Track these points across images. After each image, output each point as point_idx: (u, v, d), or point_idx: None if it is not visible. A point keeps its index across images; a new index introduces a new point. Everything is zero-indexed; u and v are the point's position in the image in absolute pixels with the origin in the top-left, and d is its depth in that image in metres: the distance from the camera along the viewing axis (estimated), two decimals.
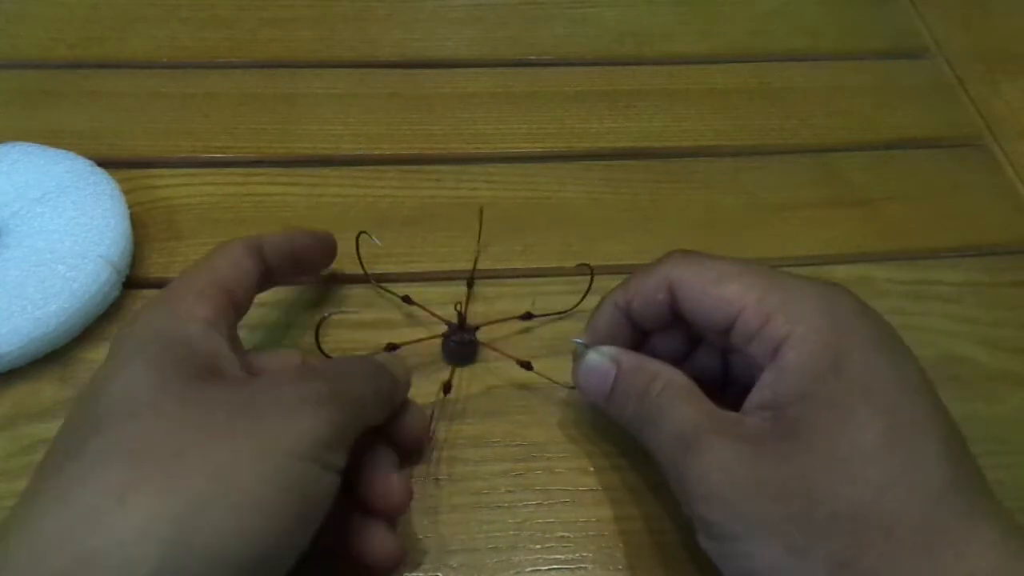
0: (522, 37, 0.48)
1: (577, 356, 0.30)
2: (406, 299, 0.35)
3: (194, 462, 0.21)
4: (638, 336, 0.30)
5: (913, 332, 0.26)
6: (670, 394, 0.27)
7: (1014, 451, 0.32)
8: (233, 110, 0.43)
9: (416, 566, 0.29)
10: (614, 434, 0.32)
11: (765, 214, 0.40)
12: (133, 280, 0.36)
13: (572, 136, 0.43)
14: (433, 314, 0.34)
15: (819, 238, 0.40)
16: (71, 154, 0.38)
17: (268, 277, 0.30)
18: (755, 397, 0.25)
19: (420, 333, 0.34)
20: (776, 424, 0.24)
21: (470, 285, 0.36)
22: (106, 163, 0.38)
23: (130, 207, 0.36)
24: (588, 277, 0.35)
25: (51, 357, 0.33)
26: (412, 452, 0.30)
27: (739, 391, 0.26)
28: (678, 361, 0.29)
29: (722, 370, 0.30)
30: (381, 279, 0.36)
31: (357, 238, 0.35)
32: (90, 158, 0.38)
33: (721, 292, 0.26)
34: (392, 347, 0.33)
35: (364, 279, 0.36)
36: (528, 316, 0.35)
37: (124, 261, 0.35)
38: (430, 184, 0.41)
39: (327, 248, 0.34)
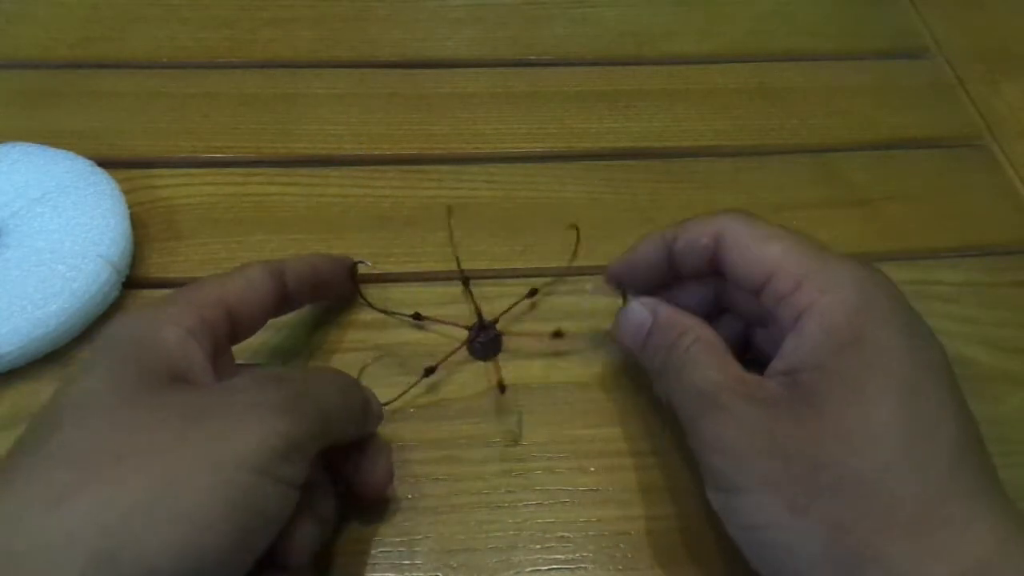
0: (522, 37, 0.48)
1: (623, 304, 0.31)
2: (416, 316, 0.34)
3: (134, 469, 0.21)
4: (670, 276, 0.30)
5: None
6: (698, 349, 0.27)
7: (1014, 451, 0.32)
8: (233, 110, 0.43)
9: (416, 566, 0.29)
10: (615, 434, 0.32)
11: (765, 214, 0.40)
12: (133, 280, 0.36)
13: (572, 136, 0.43)
14: (447, 323, 0.34)
15: (819, 238, 0.39)
16: (71, 154, 0.38)
17: (286, 301, 0.30)
18: (776, 364, 0.26)
19: (425, 333, 0.34)
20: (793, 390, 0.25)
21: (466, 283, 0.36)
22: (106, 163, 0.38)
23: (130, 207, 0.36)
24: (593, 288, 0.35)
25: (51, 357, 0.33)
26: (372, 497, 0.29)
27: (757, 367, 0.27)
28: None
29: (742, 343, 0.30)
30: (379, 279, 0.36)
31: (352, 269, 0.34)
32: (90, 158, 0.38)
33: (762, 250, 0.27)
34: (431, 370, 0.32)
35: (374, 279, 0.36)
36: (533, 292, 0.35)
37: (124, 261, 0.35)
38: (430, 184, 0.41)
39: (347, 273, 0.34)
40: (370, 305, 0.35)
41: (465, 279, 0.36)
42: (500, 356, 0.34)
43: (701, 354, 0.27)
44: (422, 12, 0.49)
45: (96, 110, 0.42)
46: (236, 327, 0.28)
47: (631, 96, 0.45)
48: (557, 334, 0.34)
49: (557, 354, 0.34)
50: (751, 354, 0.30)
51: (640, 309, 0.30)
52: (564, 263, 0.38)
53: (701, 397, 0.26)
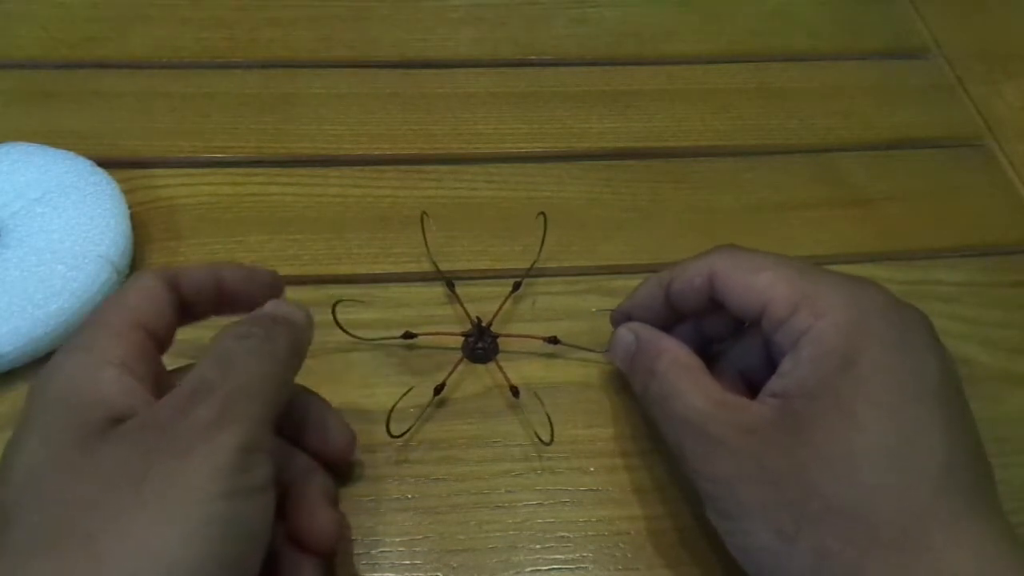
0: (522, 37, 0.48)
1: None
2: (407, 335, 0.34)
3: (109, 543, 0.20)
4: (672, 316, 0.31)
5: None
6: (674, 373, 0.28)
7: (1014, 451, 0.32)
8: (233, 110, 0.43)
9: (416, 566, 0.29)
10: (614, 434, 0.32)
11: (765, 214, 0.40)
12: None
13: (572, 136, 0.43)
14: (441, 333, 0.34)
15: (819, 238, 0.40)
16: (71, 154, 0.37)
17: (188, 310, 0.28)
18: (772, 384, 0.26)
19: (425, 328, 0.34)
20: (783, 415, 0.25)
21: (451, 287, 0.36)
22: (106, 163, 0.38)
23: (130, 207, 0.36)
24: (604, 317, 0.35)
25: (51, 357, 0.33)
26: (341, 463, 0.30)
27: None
28: (723, 339, 0.31)
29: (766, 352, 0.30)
30: (379, 279, 0.36)
31: (332, 308, 0.33)
32: (90, 158, 0.38)
33: (754, 281, 0.27)
34: (440, 388, 0.32)
35: (376, 280, 0.36)
36: (554, 341, 0.34)
37: (124, 261, 0.35)
38: (430, 184, 0.41)
39: (264, 285, 0.30)
40: (356, 337, 0.34)
41: (450, 283, 0.36)
42: (497, 357, 0.34)
43: (680, 380, 0.28)
44: (422, 12, 0.49)
45: (96, 110, 0.42)
46: (156, 342, 0.26)
47: (631, 96, 0.45)
48: (551, 340, 0.34)
49: (555, 355, 0.34)
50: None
51: (626, 333, 0.31)
52: (564, 263, 0.37)
53: (688, 427, 0.26)
